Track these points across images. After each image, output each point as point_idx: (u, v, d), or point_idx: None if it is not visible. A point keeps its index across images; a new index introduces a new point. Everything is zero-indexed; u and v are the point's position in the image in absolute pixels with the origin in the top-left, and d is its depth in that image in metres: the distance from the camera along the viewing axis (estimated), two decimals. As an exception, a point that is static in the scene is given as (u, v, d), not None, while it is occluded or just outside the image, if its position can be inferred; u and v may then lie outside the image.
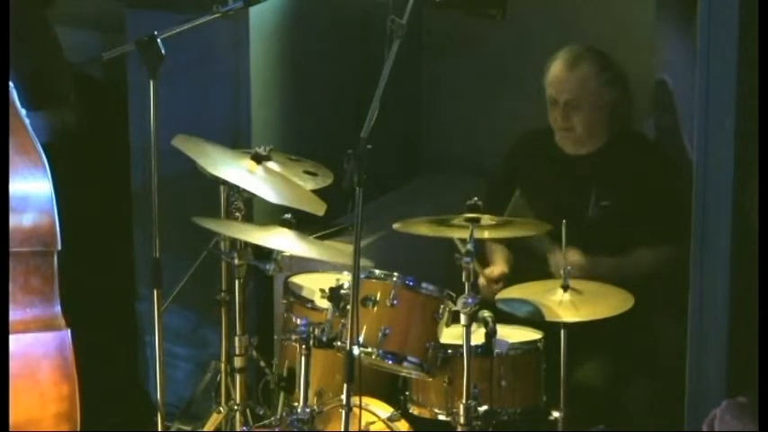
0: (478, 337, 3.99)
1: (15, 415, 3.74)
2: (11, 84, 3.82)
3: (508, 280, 4.49)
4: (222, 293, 4.58)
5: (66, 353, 3.85)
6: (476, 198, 4.05)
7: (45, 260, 3.83)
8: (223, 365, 4.61)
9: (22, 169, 3.81)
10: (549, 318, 4.08)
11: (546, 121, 4.67)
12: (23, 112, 3.87)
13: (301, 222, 4.24)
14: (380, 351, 3.97)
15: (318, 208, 4.24)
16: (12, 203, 3.77)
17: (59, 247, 3.84)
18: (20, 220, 3.78)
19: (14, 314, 3.79)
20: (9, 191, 3.76)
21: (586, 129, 4.56)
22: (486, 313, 3.98)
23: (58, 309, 3.88)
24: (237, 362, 4.48)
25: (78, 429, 3.86)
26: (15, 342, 3.76)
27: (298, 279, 4.39)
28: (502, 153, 4.87)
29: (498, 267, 4.61)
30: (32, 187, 3.81)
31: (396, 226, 4.18)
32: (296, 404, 3.98)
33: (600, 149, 4.62)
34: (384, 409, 4.13)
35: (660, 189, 4.52)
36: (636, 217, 4.53)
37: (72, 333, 3.88)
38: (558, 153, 4.65)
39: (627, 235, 4.53)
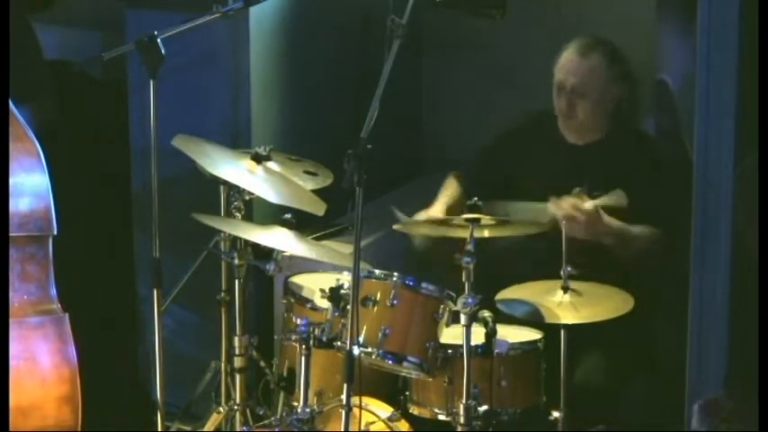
0: (478, 337, 4.00)
1: (18, 400, 3.78)
2: None
3: (508, 280, 4.46)
4: (222, 293, 4.58)
5: (66, 336, 3.90)
6: (476, 198, 4.05)
7: (41, 246, 3.88)
8: (223, 365, 4.61)
9: (17, 156, 3.85)
10: (548, 319, 4.08)
11: (551, 105, 4.65)
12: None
13: (301, 222, 4.24)
14: (380, 351, 3.97)
15: (318, 208, 4.24)
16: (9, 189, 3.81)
17: (55, 232, 3.88)
18: (17, 205, 3.83)
19: (12, 301, 3.85)
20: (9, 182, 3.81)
21: (588, 118, 4.55)
22: (486, 313, 3.98)
23: (55, 294, 3.93)
24: (237, 362, 4.48)
25: (80, 412, 3.89)
26: (15, 327, 3.80)
27: (298, 279, 4.39)
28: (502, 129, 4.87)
29: (435, 209, 4.59)
30: (28, 173, 3.85)
31: (396, 226, 4.18)
32: (296, 404, 3.98)
33: (598, 141, 4.61)
34: (384, 409, 4.13)
35: (655, 186, 4.50)
36: (627, 211, 4.51)
37: (72, 328, 3.91)
38: (558, 139, 4.64)
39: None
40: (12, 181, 3.83)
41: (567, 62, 4.56)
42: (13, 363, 3.77)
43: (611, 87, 4.55)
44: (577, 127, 4.59)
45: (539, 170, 4.61)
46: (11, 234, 3.82)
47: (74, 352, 3.91)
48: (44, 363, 3.87)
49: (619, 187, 4.48)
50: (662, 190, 4.48)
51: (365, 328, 3.96)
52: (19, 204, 3.84)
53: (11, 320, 3.81)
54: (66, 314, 3.92)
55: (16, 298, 3.86)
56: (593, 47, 4.56)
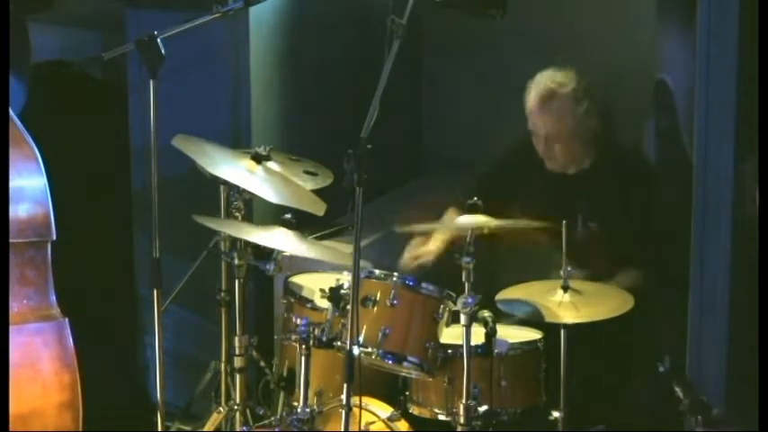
0: (478, 337, 4.00)
1: (18, 406, 3.77)
2: None
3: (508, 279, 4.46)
4: (222, 293, 4.58)
5: (66, 342, 3.88)
6: (475, 198, 4.05)
7: (39, 251, 3.87)
8: (223, 365, 4.61)
9: (15, 161, 3.84)
10: (548, 319, 4.08)
11: None
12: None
13: (301, 222, 4.24)
14: (380, 351, 3.97)
15: (318, 208, 4.24)
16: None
17: (54, 238, 3.87)
18: (15, 212, 3.81)
19: (12, 306, 3.83)
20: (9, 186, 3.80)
21: (568, 157, 4.55)
22: (486, 313, 3.98)
23: (54, 299, 3.91)
24: (237, 362, 4.48)
25: (81, 418, 3.88)
26: (15, 333, 3.79)
27: (298, 279, 4.39)
28: (499, 153, 4.85)
29: (432, 244, 4.55)
30: (26, 178, 3.84)
31: (396, 226, 4.18)
32: (296, 404, 3.98)
33: (586, 170, 4.59)
34: (384, 409, 4.13)
35: (648, 211, 4.49)
36: (623, 240, 4.51)
37: (72, 330, 3.90)
38: (547, 167, 4.63)
39: (611, 257, 4.51)
40: (10, 186, 3.81)
41: (533, 111, 4.52)
42: (13, 369, 3.75)
43: (584, 122, 4.50)
44: (561, 164, 4.58)
45: (535, 201, 4.60)
46: (10, 240, 3.80)
47: (74, 358, 3.89)
48: (44, 369, 3.86)
49: (610, 216, 4.47)
50: (652, 211, 4.47)
51: (365, 328, 3.96)
52: (18, 211, 3.82)
53: (11, 327, 3.79)
54: (66, 319, 3.91)
55: (15, 303, 3.85)
56: (555, 91, 4.48)
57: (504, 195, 4.61)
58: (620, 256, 4.50)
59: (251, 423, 4.48)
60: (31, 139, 3.90)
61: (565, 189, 4.57)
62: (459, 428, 3.99)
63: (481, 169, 4.84)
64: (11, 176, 3.82)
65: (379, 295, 3.99)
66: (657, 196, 4.50)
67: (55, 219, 3.89)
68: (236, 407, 4.50)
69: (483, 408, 3.99)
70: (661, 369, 3.47)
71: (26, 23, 4.77)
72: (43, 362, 3.85)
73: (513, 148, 4.78)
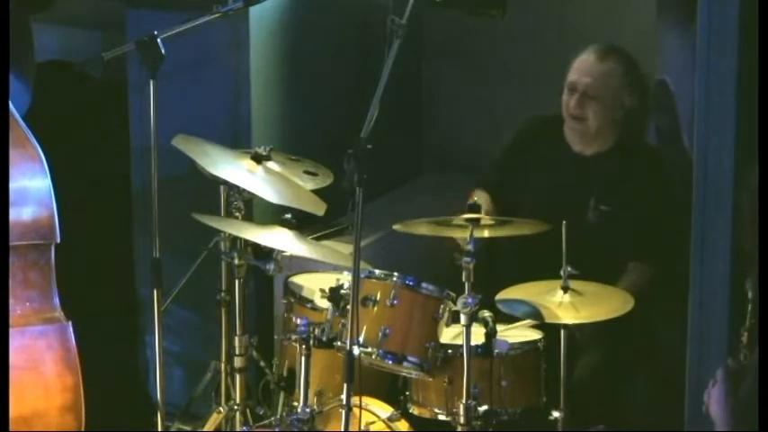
0: (478, 337, 4.00)
1: (21, 408, 3.77)
2: None
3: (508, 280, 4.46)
4: (222, 293, 4.58)
5: (69, 345, 3.88)
6: (476, 198, 4.05)
7: (43, 254, 3.86)
8: (223, 365, 4.61)
9: (19, 163, 3.83)
10: (548, 319, 4.08)
11: (556, 107, 4.64)
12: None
13: (301, 222, 4.24)
14: (380, 351, 3.97)
15: (318, 208, 4.24)
16: (11, 197, 3.79)
17: (58, 240, 3.86)
18: (19, 214, 3.81)
19: (15, 309, 3.82)
20: (9, 187, 3.79)
21: (596, 123, 4.53)
22: (486, 313, 3.98)
23: (57, 302, 3.91)
24: (237, 362, 4.48)
25: (83, 420, 3.89)
26: (18, 336, 3.79)
27: (298, 279, 4.40)
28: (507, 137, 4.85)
29: None
30: (31, 180, 3.83)
31: (396, 226, 4.18)
32: (296, 404, 3.98)
33: (606, 152, 4.60)
34: (384, 409, 4.13)
35: (661, 206, 4.49)
36: (633, 228, 4.51)
37: (73, 331, 3.90)
38: (564, 148, 4.64)
39: (621, 243, 4.51)
40: (13, 188, 3.80)
41: (583, 63, 4.56)
42: (16, 372, 3.74)
43: (624, 94, 4.54)
44: (584, 132, 4.57)
45: (544, 181, 4.60)
46: (13, 243, 3.80)
47: (77, 360, 3.89)
48: (48, 372, 3.85)
49: (624, 202, 4.48)
50: (665, 209, 4.47)
51: (365, 328, 3.96)
52: (21, 213, 3.81)
53: (14, 329, 3.79)
54: (69, 322, 3.91)
55: (19, 306, 3.84)
56: (611, 52, 4.57)
57: (518, 180, 4.62)
58: (628, 243, 4.50)
59: (251, 423, 4.48)
60: (34, 140, 3.90)
61: (580, 171, 4.58)
62: (459, 428, 3.99)
63: (495, 155, 4.83)
64: (15, 178, 3.81)
65: (379, 295, 3.99)
66: (668, 193, 4.51)
67: (58, 223, 3.88)
68: (236, 407, 4.50)
69: (483, 408, 4.00)
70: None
71: (30, 24, 4.77)
72: (46, 364, 3.85)
73: (527, 128, 4.78)
